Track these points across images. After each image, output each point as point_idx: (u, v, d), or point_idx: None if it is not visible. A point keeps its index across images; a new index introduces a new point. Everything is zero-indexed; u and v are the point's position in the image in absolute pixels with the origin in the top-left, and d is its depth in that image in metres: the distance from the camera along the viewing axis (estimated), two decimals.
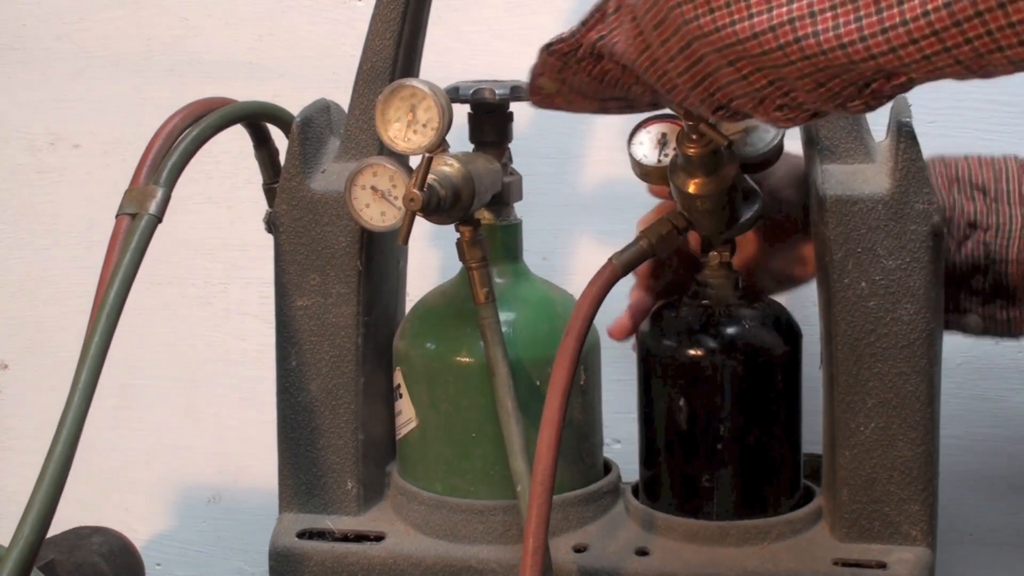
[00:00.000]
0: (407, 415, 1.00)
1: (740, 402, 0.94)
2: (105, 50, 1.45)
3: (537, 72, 0.77)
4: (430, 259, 1.30)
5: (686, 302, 0.96)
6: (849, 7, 0.59)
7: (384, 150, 0.95)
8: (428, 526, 0.99)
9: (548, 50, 0.75)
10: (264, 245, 1.02)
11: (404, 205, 0.85)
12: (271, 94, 1.10)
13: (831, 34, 0.59)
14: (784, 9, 0.60)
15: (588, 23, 0.73)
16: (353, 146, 0.99)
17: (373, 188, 0.92)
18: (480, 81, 0.99)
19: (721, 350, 0.93)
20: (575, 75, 0.75)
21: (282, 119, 1.02)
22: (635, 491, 1.00)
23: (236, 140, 1.06)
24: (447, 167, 0.89)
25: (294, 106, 1.03)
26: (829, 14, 0.59)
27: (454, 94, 0.96)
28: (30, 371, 1.52)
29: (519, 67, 1.23)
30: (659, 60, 0.68)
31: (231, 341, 1.46)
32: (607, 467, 1.04)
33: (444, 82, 0.95)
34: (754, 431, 0.94)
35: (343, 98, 1.02)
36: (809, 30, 0.59)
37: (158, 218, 0.89)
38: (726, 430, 0.94)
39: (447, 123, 0.90)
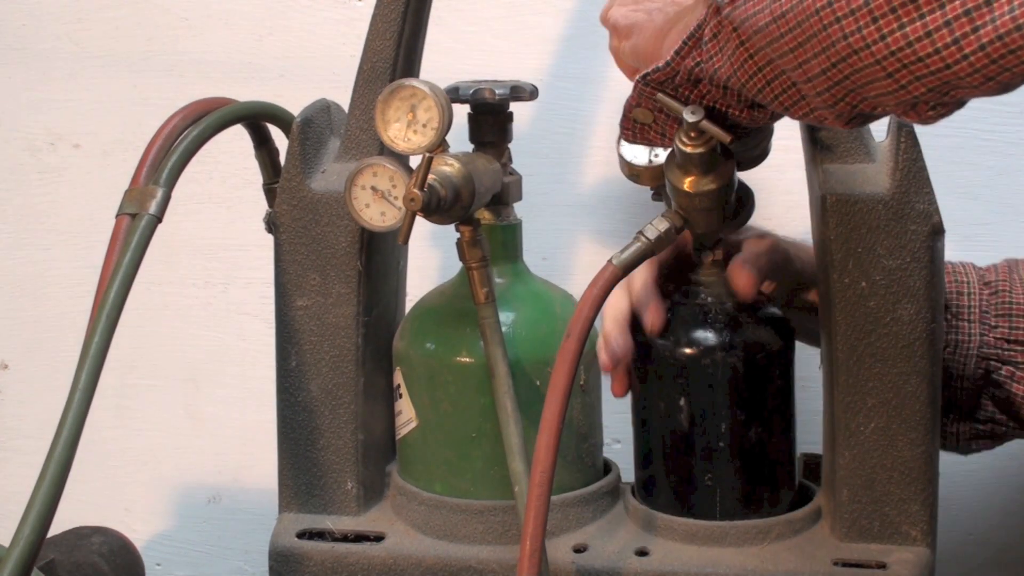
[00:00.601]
0: (407, 415, 1.00)
1: (737, 399, 0.94)
2: (105, 50, 1.44)
3: (632, 103, 0.79)
4: (430, 259, 1.30)
5: (681, 301, 0.96)
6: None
7: (385, 150, 0.95)
8: (428, 526, 0.99)
9: (645, 80, 0.77)
10: (264, 245, 1.02)
11: (404, 205, 0.85)
12: (271, 94, 1.10)
13: (1007, 17, 0.56)
14: (957, 3, 0.57)
15: (682, 51, 0.74)
16: (353, 146, 0.99)
17: (373, 188, 0.92)
18: (480, 81, 0.99)
19: (718, 348, 0.93)
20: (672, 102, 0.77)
21: (282, 119, 1.02)
22: (635, 491, 1.00)
23: (236, 140, 1.06)
24: (447, 167, 0.89)
25: (294, 106, 1.03)
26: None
27: (454, 94, 0.96)
28: (30, 371, 1.52)
29: (519, 67, 1.24)
30: (787, 80, 0.68)
31: (231, 341, 1.46)
32: (607, 467, 1.04)
33: (444, 82, 0.95)
34: (751, 428, 0.94)
35: (343, 98, 1.02)
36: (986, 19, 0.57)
37: (158, 218, 0.89)
38: (724, 428, 0.94)
39: (447, 123, 0.90)
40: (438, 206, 0.87)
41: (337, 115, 1.03)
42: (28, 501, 0.78)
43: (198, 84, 1.38)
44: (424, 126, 0.90)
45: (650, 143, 0.83)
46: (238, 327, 1.45)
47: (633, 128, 0.82)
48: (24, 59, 1.47)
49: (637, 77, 0.78)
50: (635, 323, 0.96)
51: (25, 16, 1.46)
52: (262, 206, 1.04)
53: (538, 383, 0.96)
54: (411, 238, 0.88)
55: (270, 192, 1.04)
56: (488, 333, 0.94)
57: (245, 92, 1.06)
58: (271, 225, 1.00)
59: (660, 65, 0.76)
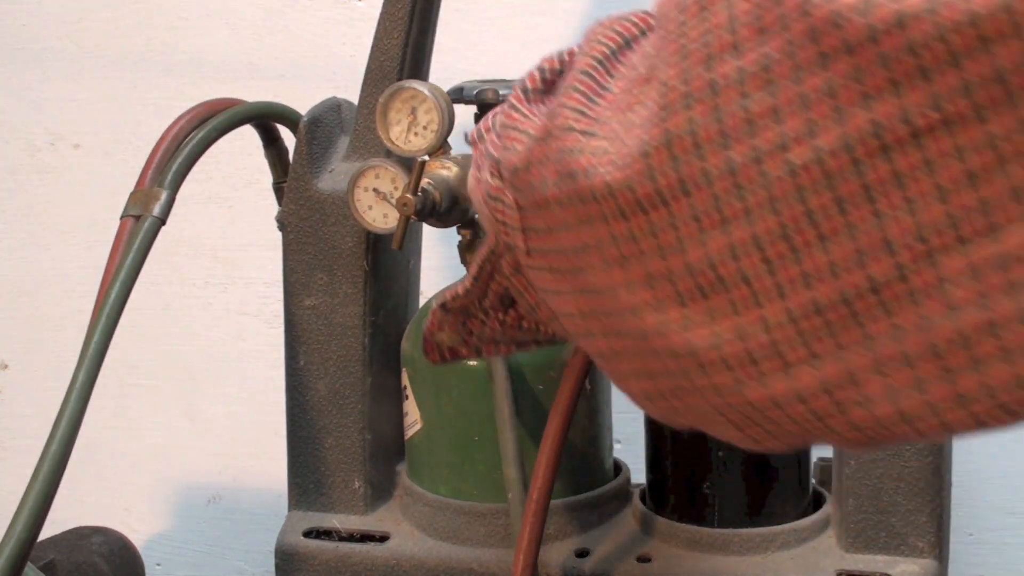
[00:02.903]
0: (413, 416, 1.00)
1: None
2: (105, 50, 1.44)
3: (433, 328, 0.67)
4: (446, 259, 1.29)
5: None
6: (904, 367, 0.45)
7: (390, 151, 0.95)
8: (432, 528, 0.99)
9: (444, 309, 0.65)
10: (264, 245, 1.02)
11: (397, 210, 0.85)
12: (271, 94, 1.09)
13: (888, 406, 0.46)
14: (808, 368, 0.47)
15: (481, 277, 0.62)
16: (361, 145, 0.99)
17: (375, 190, 0.92)
18: (485, 81, 0.99)
19: None
20: (483, 325, 0.65)
21: (290, 119, 1.02)
22: (643, 496, 1.00)
23: (236, 140, 1.06)
24: (444, 170, 0.88)
25: (294, 106, 1.02)
26: (876, 377, 0.46)
27: (458, 95, 0.96)
28: (30, 371, 1.52)
29: (524, 67, 1.23)
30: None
31: (231, 341, 1.45)
32: (618, 468, 1.03)
33: (449, 83, 0.95)
34: None
35: (343, 97, 1.02)
36: (855, 398, 0.46)
37: (162, 220, 0.89)
38: None
39: (448, 126, 0.90)
40: (432, 210, 0.86)
41: (348, 113, 1.02)
42: (21, 499, 0.78)
43: (198, 84, 1.38)
44: (425, 128, 0.90)
45: (462, 359, 0.69)
46: (238, 327, 1.45)
47: (439, 351, 0.68)
48: (24, 59, 1.46)
49: (435, 305, 0.66)
50: None
51: (25, 16, 1.46)
52: (262, 206, 1.04)
53: (540, 387, 0.96)
54: (426, 238, 0.87)
55: (279, 191, 1.04)
56: None
57: (245, 92, 1.05)
58: (282, 224, 1.00)
59: (459, 291, 0.64)
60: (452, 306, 0.65)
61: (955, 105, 0.41)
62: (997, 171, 0.41)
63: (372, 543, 0.99)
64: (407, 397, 1.00)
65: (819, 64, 0.43)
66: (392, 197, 0.91)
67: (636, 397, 0.56)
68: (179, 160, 0.91)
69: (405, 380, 1.00)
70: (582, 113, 0.51)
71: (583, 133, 0.51)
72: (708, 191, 0.46)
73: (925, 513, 0.91)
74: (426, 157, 0.89)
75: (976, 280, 0.42)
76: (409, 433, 1.01)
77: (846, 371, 0.46)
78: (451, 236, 1.27)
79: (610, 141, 0.50)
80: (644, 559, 0.94)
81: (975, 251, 0.42)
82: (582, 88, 0.52)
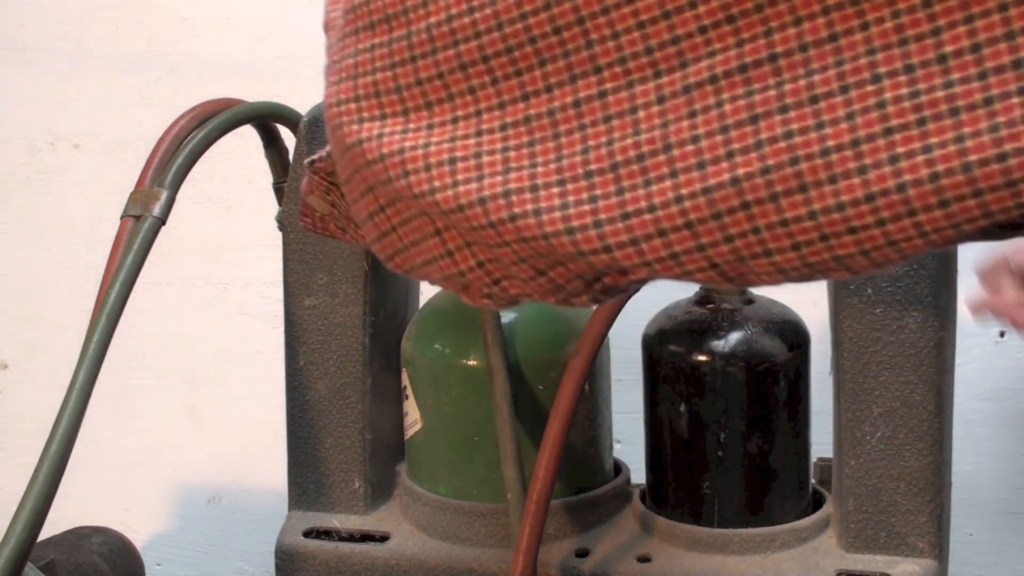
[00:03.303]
0: (413, 416, 1.00)
1: (743, 408, 0.93)
2: (105, 50, 1.44)
3: (306, 191, 0.67)
4: None
5: (691, 307, 0.96)
6: (582, 184, 0.47)
7: None
8: (432, 527, 0.99)
9: (311, 168, 0.65)
10: (263, 245, 1.02)
11: None
12: (271, 94, 1.09)
13: (557, 214, 0.47)
14: (499, 179, 0.48)
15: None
16: None
17: None
18: None
19: (724, 356, 0.93)
20: (342, 199, 0.64)
21: (291, 119, 1.02)
22: (643, 496, 1.00)
23: (237, 140, 1.06)
24: None
25: (294, 106, 1.02)
26: (556, 190, 0.47)
27: None
28: (30, 371, 1.52)
29: None
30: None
31: (231, 341, 1.45)
32: (618, 469, 1.03)
33: None
34: (752, 437, 0.94)
35: None
36: (529, 207, 0.48)
37: (162, 220, 0.89)
38: (729, 436, 0.93)
39: None
40: None
41: None
42: (21, 499, 0.77)
43: (198, 84, 1.38)
44: None
45: (332, 236, 0.69)
46: (238, 327, 1.45)
47: (312, 216, 0.69)
48: (24, 59, 1.46)
49: (305, 162, 0.66)
50: (663, 332, 0.95)
51: (25, 16, 1.46)
52: (262, 206, 1.04)
53: (541, 387, 0.96)
54: None
55: (279, 191, 1.04)
56: (489, 336, 0.93)
57: (246, 92, 1.05)
58: (282, 224, 1.00)
59: (323, 153, 0.63)
60: (318, 166, 0.65)
61: None
62: (687, 6, 0.45)
63: (372, 543, 0.99)
64: (407, 397, 1.00)
65: None
66: None
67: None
68: (179, 160, 0.91)
69: (405, 380, 1.00)
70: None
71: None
72: (444, 8, 0.49)
73: (925, 513, 0.91)
74: None
75: (661, 106, 0.46)
76: (409, 433, 1.01)
77: (531, 181, 0.48)
78: None
79: None
80: (644, 559, 0.94)
81: (666, 81, 0.46)
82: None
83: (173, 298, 1.46)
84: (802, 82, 0.43)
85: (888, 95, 0.42)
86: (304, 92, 1.08)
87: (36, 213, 1.49)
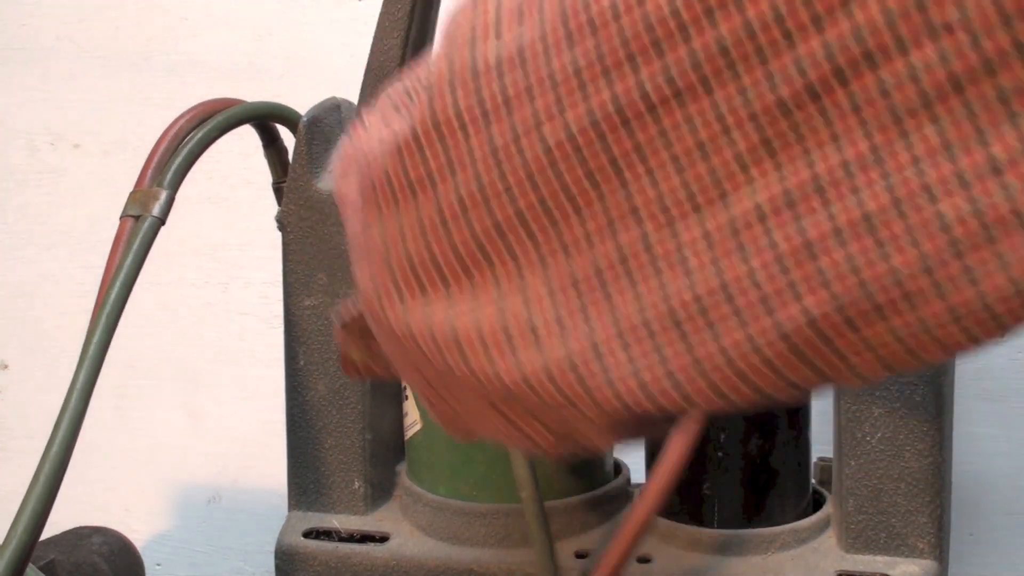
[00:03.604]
0: (413, 417, 1.00)
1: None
2: (105, 50, 1.44)
3: (344, 348, 0.67)
4: None
5: None
6: (646, 337, 0.46)
7: None
8: (432, 528, 0.99)
9: (344, 327, 0.65)
10: (263, 245, 1.02)
11: None
12: (271, 94, 1.09)
13: (631, 379, 0.46)
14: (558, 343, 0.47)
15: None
16: None
17: None
18: None
19: None
20: (378, 344, 0.61)
21: (290, 119, 1.02)
22: None
23: (236, 140, 1.06)
24: None
25: (294, 106, 1.02)
26: (619, 349, 0.46)
27: None
28: (30, 371, 1.52)
29: None
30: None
31: (231, 341, 1.45)
32: (618, 469, 1.03)
33: None
34: (751, 437, 0.94)
35: (343, 98, 1.02)
36: (597, 371, 0.46)
37: (161, 220, 0.89)
38: (728, 437, 0.93)
39: None
40: None
41: (348, 113, 1.02)
42: (22, 501, 0.77)
43: (198, 84, 1.38)
44: None
45: (380, 379, 0.69)
46: (238, 327, 1.45)
47: (354, 366, 0.68)
48: (24, 59, 1.46)
49: (336, 323, 0.66)
50: None
51: (25, 16, 1.46)
52: (262, 206, 1.04)
53: None
54: None
55: (279, 191, 1.04)
56: None
57: (246, 92, 1.05)
58: (282, 224, 1.00)
59: (355, 313, 0.63)
60: (348, 323, 0.65)
61: (685, 78, 0.43)
62: (723, 140, 0.43)
63: (372, 543, 0.99)
64: (407, 397, 1.00)
65: (567, 44, 0.45)
66: None
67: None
68: (179, 160, 0.91)
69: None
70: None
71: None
72: (472, 170, 0.48)
73: (925, 513, 0.91)
74: None
75: (710, 246, 0.44)
76: (409, 433, 1.01)
77: (591, 343, 0.46)
78: None
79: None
80: (644, 559, 0.94)
81: (709, 219, 0.44)
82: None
83: (173, 298, 1.46)
84: (851, 202, 0.42)
85: (949, 214, 0.41)
86: (304, 92, 1.08)
87: (36, 213, 1.49)
